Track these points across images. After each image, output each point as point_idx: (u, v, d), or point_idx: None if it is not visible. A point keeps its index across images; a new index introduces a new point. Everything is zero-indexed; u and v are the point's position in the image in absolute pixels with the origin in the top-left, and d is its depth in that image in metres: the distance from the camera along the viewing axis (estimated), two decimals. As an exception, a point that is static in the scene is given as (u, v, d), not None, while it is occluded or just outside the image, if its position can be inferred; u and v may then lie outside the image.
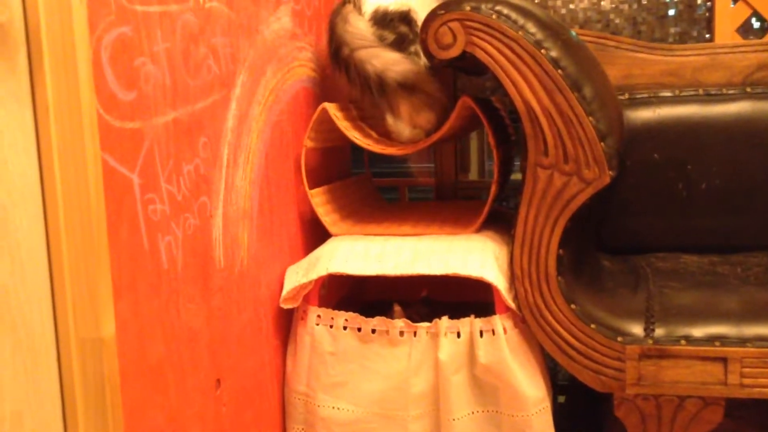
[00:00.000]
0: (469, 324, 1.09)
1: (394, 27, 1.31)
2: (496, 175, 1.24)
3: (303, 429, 1.20)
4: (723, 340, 1.01)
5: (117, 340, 0.73)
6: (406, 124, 1.33)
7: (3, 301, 0.63)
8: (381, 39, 1.31)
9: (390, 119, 1.34)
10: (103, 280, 0.70)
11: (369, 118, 1.43)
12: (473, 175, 1.89)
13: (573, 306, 1.07)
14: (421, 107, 1.31)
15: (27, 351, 0.66)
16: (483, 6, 1.04)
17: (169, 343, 0.85)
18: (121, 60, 0.76)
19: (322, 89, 1.49)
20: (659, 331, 1.04)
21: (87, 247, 0.68)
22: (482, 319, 1.09)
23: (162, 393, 0.84)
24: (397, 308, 1.22)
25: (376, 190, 1.72)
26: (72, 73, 0.67)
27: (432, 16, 1.07)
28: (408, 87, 1.28)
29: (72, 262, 0.68)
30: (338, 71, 1.34)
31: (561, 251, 1.07)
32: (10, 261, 0.64)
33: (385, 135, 1.38)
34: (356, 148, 1.38)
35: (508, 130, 1.49)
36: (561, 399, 1.60)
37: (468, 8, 1.04)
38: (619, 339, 1.04)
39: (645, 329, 1.05)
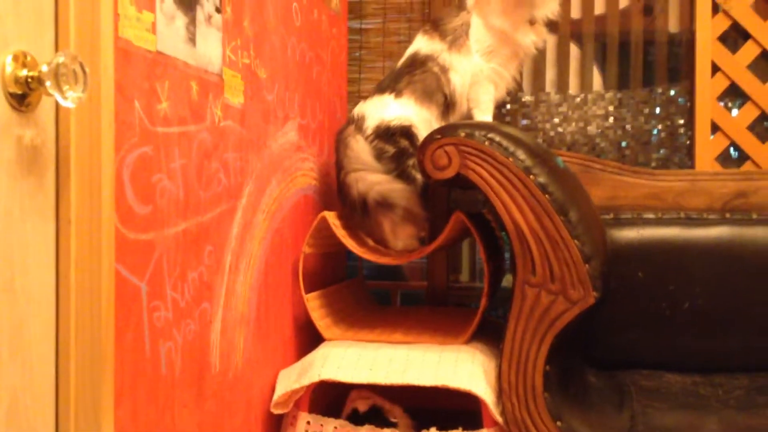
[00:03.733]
0: (457, 437, 1.11)
1: (395, 141, 1.40)
2: (486, 288, 1.29)
3: None
4: (705, 463, 1.03)
5: (113, 446, 0.75)
6: (390, 238, 1.40)
7: (11, 404, 0.66)
8: (382, 153, 1.39)
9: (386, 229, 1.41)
10: (106, 388, 0.73)
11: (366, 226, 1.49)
12: (465, 275, 1.94)
13: (559, 423, 1.09)
14: (400, 222, 1.40)
15: (27, 455, 0.68)
16: (477, 133, 1.12)
17: (162, 448, 0.87)
18: (141, 177, 0.82)
19: (323, 197, 1.56)
20: (643, 452, 1.05)
21: (94, 356, 0.72)
22: (469, 432, 1.11)
23: (151, 499, 0.85)
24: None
25: (369, 294, 1.75)
26: (96, 190, 0.73)
27: (429, 139, 1.15)
28: (387, 205, 1.38)
29: (78, 369, 0.71)
30: (337, 191, 1.45)
31: (548, 367, 1.10)
32: (21, 366, 0.67)
33: (381, 242, 1.44)
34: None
35: (499, 243, 1.55)
36: None
37: (463, 134, 1.12)
38: (604, 458, 1.06)
39: (629, 449, 1.06)
